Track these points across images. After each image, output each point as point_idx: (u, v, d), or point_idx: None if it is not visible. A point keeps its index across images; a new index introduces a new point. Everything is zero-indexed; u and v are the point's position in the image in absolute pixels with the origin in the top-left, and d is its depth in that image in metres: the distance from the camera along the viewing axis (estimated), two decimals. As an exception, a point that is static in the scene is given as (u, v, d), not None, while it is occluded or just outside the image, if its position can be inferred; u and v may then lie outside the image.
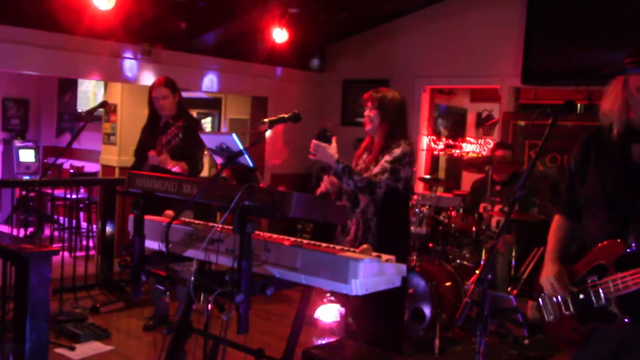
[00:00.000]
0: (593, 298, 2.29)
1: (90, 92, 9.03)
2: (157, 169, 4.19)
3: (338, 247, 2.40)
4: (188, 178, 2.57)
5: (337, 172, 3.29)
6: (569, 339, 2.41)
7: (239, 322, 2.18)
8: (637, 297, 2.17)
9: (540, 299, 2.52)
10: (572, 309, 2.38)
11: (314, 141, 3.28)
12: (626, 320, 2.19)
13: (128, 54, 6.05)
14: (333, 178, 3.44)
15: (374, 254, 2.30)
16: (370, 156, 3.54)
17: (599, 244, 2.30)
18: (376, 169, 3.38)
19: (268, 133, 6.87)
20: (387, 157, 3.39)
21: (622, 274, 2.19)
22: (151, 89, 4.63)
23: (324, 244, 2.41)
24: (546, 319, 2.49)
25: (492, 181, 5.04)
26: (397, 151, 3.40)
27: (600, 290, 2.26)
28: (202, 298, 2.29)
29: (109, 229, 5.95)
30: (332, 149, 3.29)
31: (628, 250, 2.21)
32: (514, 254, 5.09)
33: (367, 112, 3.55)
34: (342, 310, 3.66)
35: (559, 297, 2.42)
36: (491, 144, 6.74)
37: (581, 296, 2.34)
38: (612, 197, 2.30)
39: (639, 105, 2.23)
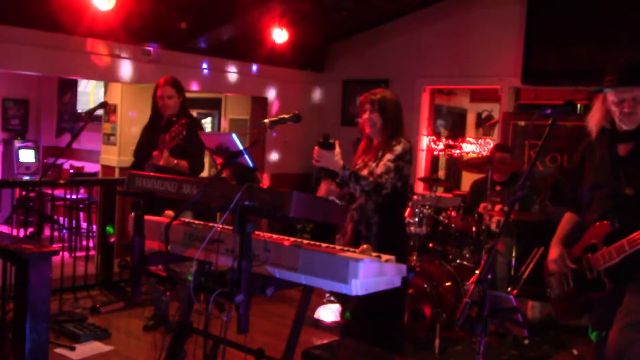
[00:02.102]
0: (587, 271, 2.70)
1: (89, 93, 9.03)
2: (161, 170, 4.16)
3: (338, 247, 2.40)
4: (188, 178, 2.56)
5: (344, 179, 3.23)
6: (570, 310, 2.86)
7: (239, 322, 2.18)
8: (622, 267, 2.55)
9: (547, 280, 2.96)
10: (571, 284, 2.80)
11: (317, 148, 3.19)
12: (612, 287, 2.60)
13: (128, 54, 6.05)
14: (332, 185, 3.37)
15: (374, 254, 2.30)
16: (369, 155, 3.52)
17: (592, 226, 2.71)
18: (380, 169, 3.34)
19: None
20: (389, 156, 3.36)
21: (607, 248, 2.58)
22: (156, 87, 4.62)
23: (324, 244, 2.41)
24: (552, 296, 2.94)
25: (492, 181, 5.04)
26: (398, 148, 3.38)
27: (592, 264, 2.66)
28: (202, 298, 2.29)
29: (110, 237, 5.97)
30: (336, 155, 3.20)
31: (613, 228, 2.60)
32: (514, 254, 5.08)
33: (366, 115, 3.47)
34: (341, 309, 3.65)
35: (561, 275, 2.86)
36: (491, 144, 6.73)
37: (578, 271, 2.75)
38: (604, 185, 2.69)
39: (617, 115, 2.65)
